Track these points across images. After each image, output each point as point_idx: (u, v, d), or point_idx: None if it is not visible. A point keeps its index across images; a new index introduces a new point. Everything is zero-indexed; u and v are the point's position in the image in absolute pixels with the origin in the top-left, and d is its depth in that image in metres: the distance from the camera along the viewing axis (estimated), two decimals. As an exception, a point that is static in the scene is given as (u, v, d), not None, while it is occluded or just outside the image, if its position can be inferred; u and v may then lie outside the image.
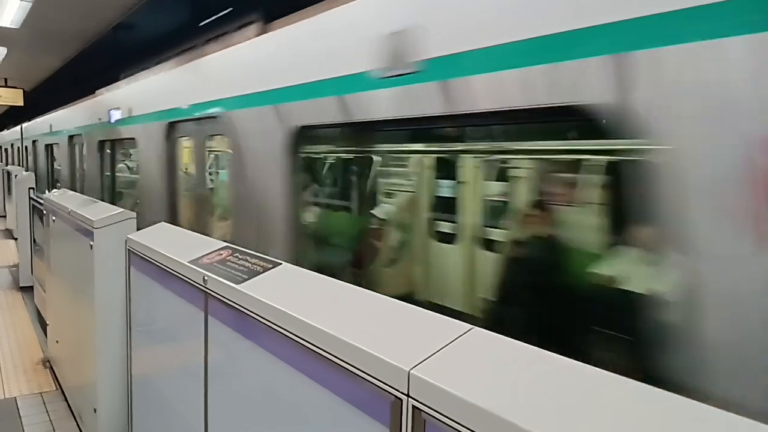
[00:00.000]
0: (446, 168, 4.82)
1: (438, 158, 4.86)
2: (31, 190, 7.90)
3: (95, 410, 3.55)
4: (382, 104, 3.00)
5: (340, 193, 4.96)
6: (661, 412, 1.08)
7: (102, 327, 3.45)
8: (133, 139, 6.93)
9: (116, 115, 7.73)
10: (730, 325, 1.69)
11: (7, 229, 12.89)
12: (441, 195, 4.96)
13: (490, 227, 4.46)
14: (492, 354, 1.35)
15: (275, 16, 4.28)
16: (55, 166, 13.39)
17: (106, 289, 3.44)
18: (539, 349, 1.32)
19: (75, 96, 11.65)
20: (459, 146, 3.99)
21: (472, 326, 1.44)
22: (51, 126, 13.20)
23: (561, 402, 1.14)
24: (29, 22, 10.79)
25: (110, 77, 8.95)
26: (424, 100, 2.73)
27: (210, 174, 5.75)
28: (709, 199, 1.73)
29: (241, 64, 4.65)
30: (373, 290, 1.81)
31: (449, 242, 4.80)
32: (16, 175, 9.60)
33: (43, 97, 18.19)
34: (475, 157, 4.32)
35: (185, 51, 5.84)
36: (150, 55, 7.27)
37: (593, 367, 1.23)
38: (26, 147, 17.43)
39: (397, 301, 1.70)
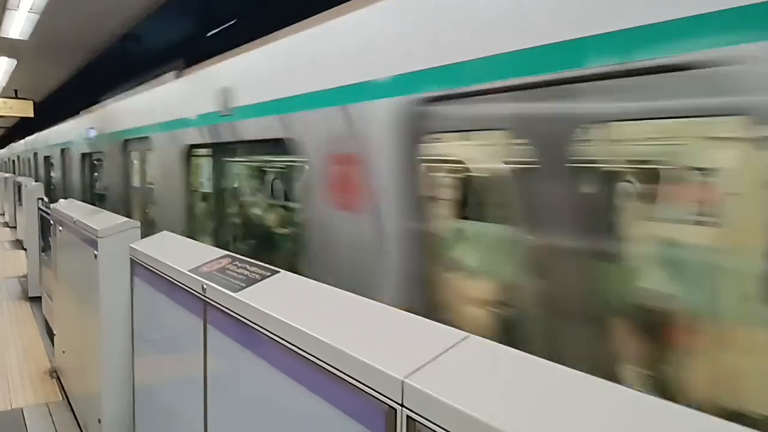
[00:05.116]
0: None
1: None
2: (40, 201, 7.94)
3: (100, 420, 3.54)
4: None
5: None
6: (661, 422, 1.05)
7: (107, 337, 3.45)
8: (102, 152, 8.97)
9: (92, 133, 9.69)
10: None
11: (17, 240, 12.99)
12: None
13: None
14: (488, 362, 1.32)
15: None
16: (52, 174, 14.86)
17: (111, 298, 3.44)
18: (536, 357, 1.29)
19: (83, 107, 11.80)
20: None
21: (468, 334, 1.41)
22: (48, 140, 14.79)
23: (559, 411, 1.11)
24: (38, 33, 10.93)
25: (117, 88, 9.05)
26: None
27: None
28: None
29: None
30: None
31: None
32: (26, 186, 9.67)
33: (53, 109, 18.38)
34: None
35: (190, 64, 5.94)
36: (155, 66, 7.35)
37: (591, 376, 1.20)
38: (29, 159, 18.63)
39: (394, 308, 1.67)
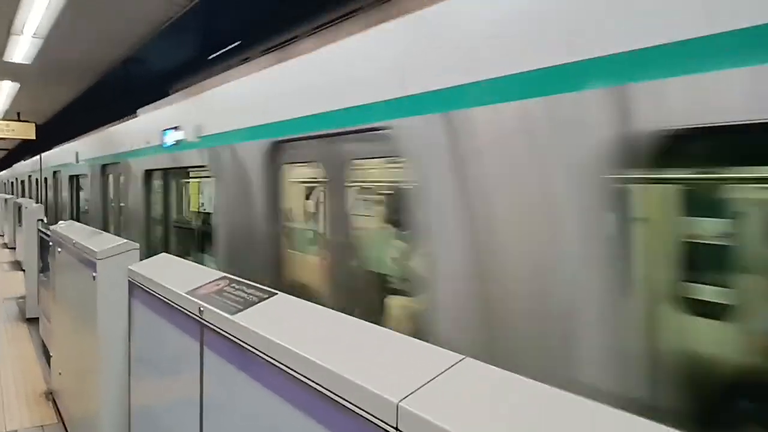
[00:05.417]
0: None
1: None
2: (40, 222, 7.95)
3: (95, 444, 3.51)
4: None
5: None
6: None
7: (104, 358, 3.43)
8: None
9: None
10: None
11: (16, 261, 12.97)
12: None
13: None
14: (483, 385, 1.32)
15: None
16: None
17: (109, 320, 3.43)
18: (532, 380, 1.29)
19: (85, 129, 11.79)
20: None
21: (464, 356, 1.41)
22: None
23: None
24: (41, 57, 11.03)
25: (120, 111, 9.10)
26: None
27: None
28: None
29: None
30: None
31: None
32: (26, 207, 9.69)
33: (55, 131, 18.45)
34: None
35: (191, 85, 5.90)
36: (159, 88, 7.39)
37: (588, 399, 1.20)
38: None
39: (390, 331, 1.67)
